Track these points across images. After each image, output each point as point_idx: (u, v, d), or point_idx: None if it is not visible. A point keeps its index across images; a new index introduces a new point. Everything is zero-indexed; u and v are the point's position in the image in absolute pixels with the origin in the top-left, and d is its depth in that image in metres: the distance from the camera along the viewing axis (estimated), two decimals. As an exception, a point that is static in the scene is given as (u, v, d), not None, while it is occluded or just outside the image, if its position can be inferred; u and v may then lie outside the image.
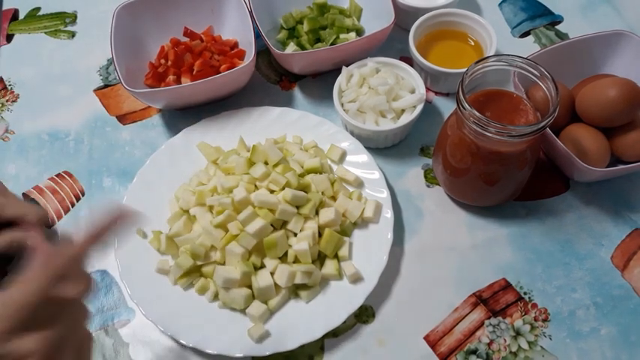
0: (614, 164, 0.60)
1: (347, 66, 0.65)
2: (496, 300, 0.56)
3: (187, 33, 0.72)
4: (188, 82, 0.65)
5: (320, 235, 0.56)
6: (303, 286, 0.55)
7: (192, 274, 0.56)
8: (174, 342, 0.54)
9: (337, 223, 0.56)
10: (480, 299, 0.56)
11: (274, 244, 0.54)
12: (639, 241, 0.59)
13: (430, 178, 0.64)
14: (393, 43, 0.73)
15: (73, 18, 0.81)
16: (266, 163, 0.59)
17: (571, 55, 0.63)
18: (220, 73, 0.65)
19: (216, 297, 0.55)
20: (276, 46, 0.69)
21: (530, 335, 0.54)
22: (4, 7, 0.83)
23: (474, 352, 0.53)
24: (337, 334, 0.55)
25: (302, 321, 0.53)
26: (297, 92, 0.71)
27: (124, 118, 0.71)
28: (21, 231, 0.48)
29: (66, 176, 0.66)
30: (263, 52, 0.74)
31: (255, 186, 0.58)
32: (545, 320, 0.55)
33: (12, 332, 0.32)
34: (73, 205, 0.64)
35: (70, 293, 0.35)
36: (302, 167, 0.60)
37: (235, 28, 0.71)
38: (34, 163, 0.67)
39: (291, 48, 0.70)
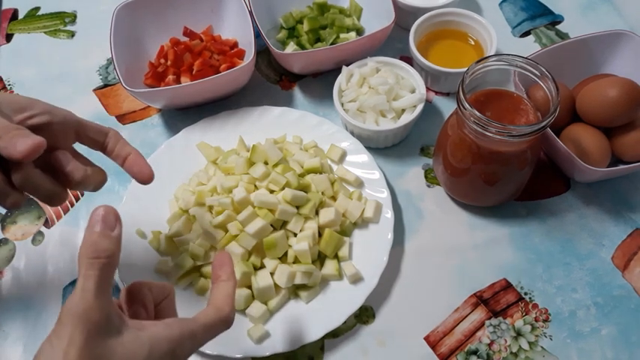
0: (615, 164, 0.60)
1: (347, 65, 0.65)
2: (497, 300, 0.56)
3: (187, 32, 0.72)
4: (188, 82, 0.65)
5: (320, 235, 0.56)
6: (303, 287, 0.55)
7: (192, 274, 0.56)
8: (174, 342, 0.54)
9: (337, 223, 0.56)
10: (480, 299, 0.56)
11: (274, 244, 0.54)
12: (640, 241, 0.59)
13: (430, 178, 0.64)
14: (393, 43, 0.73)
15: (72, 18, 0.81)
16: (266, 163, 0.59)
17: (571, 54, 0.63)
18: (220, 72, 0.65)
19: (216, 297, 0.55)
20: (275, 45, 0.69)
21: (531, 335, 0.54)
22: (4, 6, 0.82)
23: (475, 352, 0.53)
24: (337, 334, 0.54)
25: (302, 321, 0.53)
26: (297, 92, 0.71)
27: (123, 118, 0.70)
28: None
29: (65, 176, 0.66)
30: (263, 51, 0.74)
31: (255, 186, 0.58)
32: (545, 320, 0.55)
33: None
34: (72, 205, 0.64)
35: None
36: (302, 167, 0.60)
37: (235, 27, 0.71)
38: (33, 163, 0.67)
39: (291, 47, 0.70)
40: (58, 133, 0.44)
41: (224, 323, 0.39)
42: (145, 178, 0.47)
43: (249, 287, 0.54)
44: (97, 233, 0.34)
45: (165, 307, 0.41)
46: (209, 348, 0.51)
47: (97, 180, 0.45)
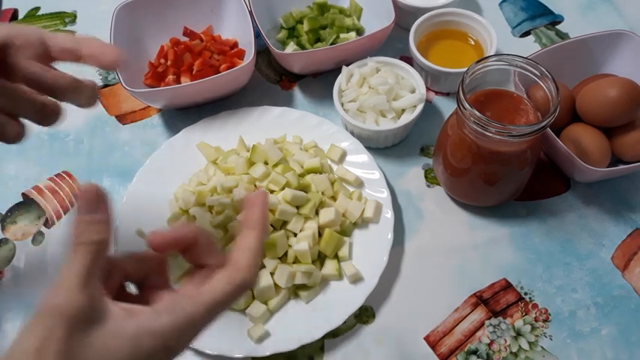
0: (615, 164, 0.60)
1: (347, 65, 0.65)
2: (496, 300, 0.56)
3: (187, 32, 0.72)
4: (188, 82, 0.65)
5: (320, 235, 0.56)
6: (303, 287, 0.55)
7: (192, 274, 0.56)
8: (174, 342, 0.54)
9: (337, 223, 0.56)
10: (480, 299, 0.56)
11: (274, 244, 0.54)
12: (640, 241, 0.59)
13: (430, 178, 0.64)
14: (393, 43, 0.73)
15: (72, 18, 0.81)
16: (266, 163, 0.59)
17: (571, 54, 0.63)
18: (220, 72, 0.65)
19: (215, 297, 0.55)
20: (275, 45, 0.69)
21: (531, 335, 0.54)
22: (4, 6, 0.82)
23: (475, 352, 0.53)
24: (337, 334, 0.54)
25: (302, 321, 0.53)
26: (297, 92, 0.71)
27: (123, 118, 0.70)
28: None
29: (65, 176, 0.66)
30: (263, 51, 0.74)
31: (255, 186, 0.58)
32: (545, 320, 0.55)
33: None
34: (72, 205, 0.64)
35: None
36: (302, 167, 0.60)
37: (235, 27, 0.71)
38: (33, 163, 0.67)
39: (291, 47, 0.70)
40: (23, 49, 0.39)
41: (239, 289, 0.33)
42: (110, 60, 0.40)
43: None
44: (81, 218, 0.30)
45: (156, 282, 0.36)
46: (209, 348, 0.51)
47: (88, 87, 0.41)
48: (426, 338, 0.54)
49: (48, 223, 0.63)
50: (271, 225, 0.55)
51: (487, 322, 0.55)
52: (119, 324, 0.29)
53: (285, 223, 0.56)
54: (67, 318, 0.28)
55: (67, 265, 0.29)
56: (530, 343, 0.54)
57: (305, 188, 0.58)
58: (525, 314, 0.55)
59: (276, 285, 0.54)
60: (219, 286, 0.32)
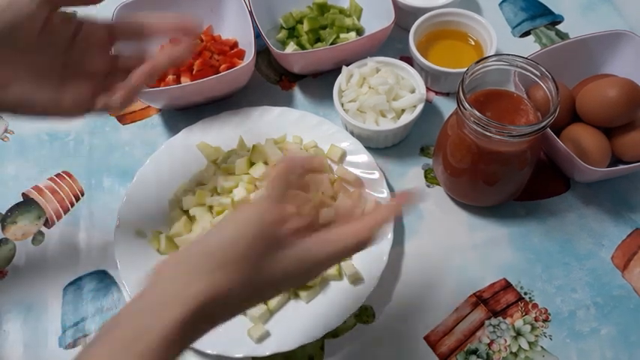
0: (615, 164, 0.60)
1: (347, 66, 0.65)
2: (496, 300, 0.56)
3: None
4: (188, 82, 0.65)
5: (320, 235, 0.56)
6: (303, 286, 0.55)
7: (192, 274, 0.56)
8: (174, 342, 0.54)
9: (337, 223, 0.56)
10: (480, 299, 0.56)
11: (274, 244, 0.54)
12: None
13: (430, 178, 0.64)
14: (393, 43, 0.73)
15: (72, 17, 0.81)
16: (266, 163, 0.59)
17: (571, 54, 0.63)
18: (220, 72, 0.65)
19: (216, 297, 0.55)
20: (275, 45, 0.69)
21: (531, 335, 0.54)
22: (4, 6, 0.82)
23: (475, 352, 0.53)
24: (337, 334, 0.54)
25: (302, 321, 0.53)
26: (297, 92, 0.71)
27: (123, 118, 0.70)
28: None
29: (65, 176, 0.66)
30: (263, 51, 0.74)
31: (255, 186, 0.58)
32: (545, 320, 0.55)
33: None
34: (72, 205, 0.64)
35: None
36: (302, 167, 0.60)
37: (235, 27, 0.71)
38: (33, 163, 0.67)
39: (291, 48, 0.70)
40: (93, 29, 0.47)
41: (359, 244, 0.38)
42: (196, 28, 0.47)
43: (249, 287, 0.54)
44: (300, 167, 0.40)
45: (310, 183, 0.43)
46: (209, 348, 0.51)
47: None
48: (426, 338, 0.54)
49: (48, 223, 0.63)
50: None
51: (487, 322, 0.55)
52: (292, 247, 0.36)
53: (285, 223, 0.56)
54: (266, 220, 0.35)
55: (271, 185, 0.37)
56: (530, 343, 0.54)
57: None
58: (525, 314, 0.55)
59: (276, 285, 0.54)
60: (343, 239, 0.38)
